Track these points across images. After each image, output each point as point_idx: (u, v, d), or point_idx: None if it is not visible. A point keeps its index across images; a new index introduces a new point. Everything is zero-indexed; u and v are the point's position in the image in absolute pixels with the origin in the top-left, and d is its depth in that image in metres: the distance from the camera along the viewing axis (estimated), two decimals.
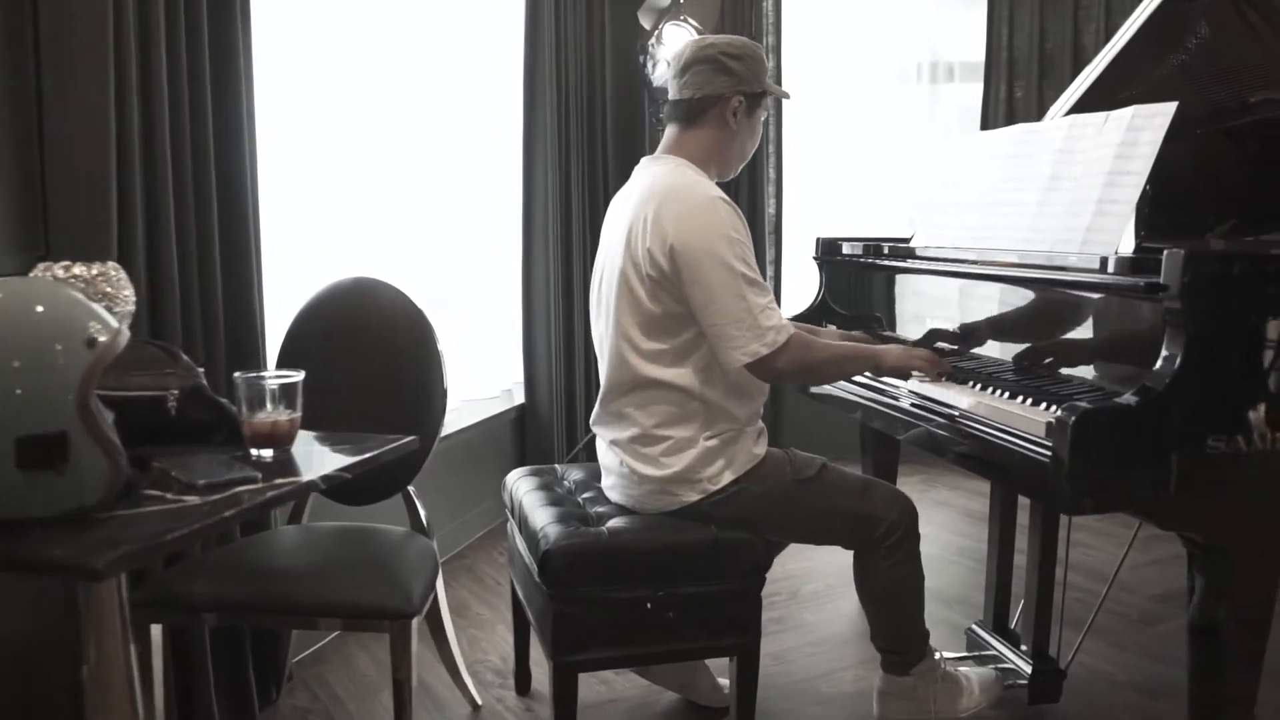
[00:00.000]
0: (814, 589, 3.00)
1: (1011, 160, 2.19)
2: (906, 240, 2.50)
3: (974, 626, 2.44)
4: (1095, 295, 1.71)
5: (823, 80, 4.57)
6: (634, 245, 1.87)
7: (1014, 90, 4.21)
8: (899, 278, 2.44)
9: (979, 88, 4.28)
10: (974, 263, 2.09)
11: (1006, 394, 1.76)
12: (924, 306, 2.31)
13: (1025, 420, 1.60)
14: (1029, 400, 1.68)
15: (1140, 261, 1.60)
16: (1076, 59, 4.14)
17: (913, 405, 1.96)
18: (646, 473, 1.91)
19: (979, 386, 1.85)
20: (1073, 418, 1.44)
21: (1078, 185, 1.94)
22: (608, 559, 1.82)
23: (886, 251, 2.50)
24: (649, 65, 3.63)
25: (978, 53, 4.27)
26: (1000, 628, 2.39)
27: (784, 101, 4.40)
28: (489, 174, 3.53)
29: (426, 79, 3.10)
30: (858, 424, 2.63)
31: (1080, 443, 1.44)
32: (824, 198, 4.68)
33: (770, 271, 4.53)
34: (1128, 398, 1.48)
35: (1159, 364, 1.49)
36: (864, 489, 1.98)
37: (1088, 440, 1.44)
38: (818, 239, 2.82)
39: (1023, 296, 1.93)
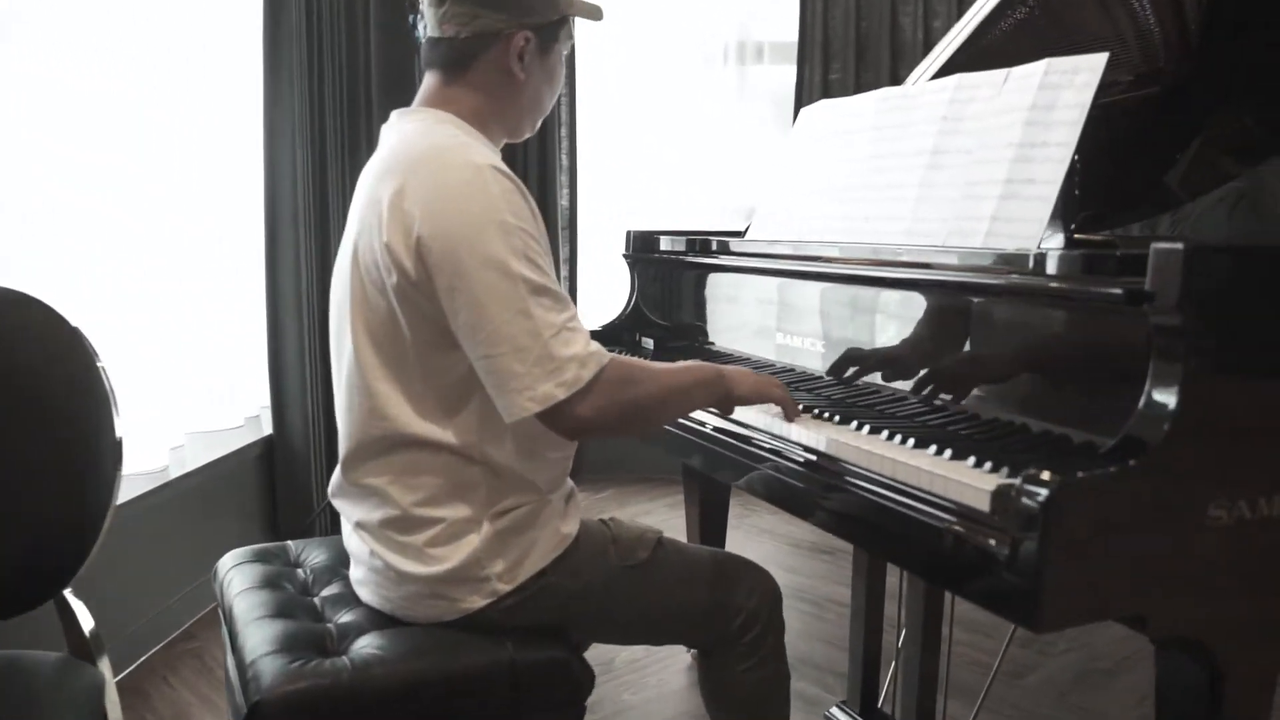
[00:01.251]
0: (632, 656, 2.48)
1: (878, 135, 1.74)
2: (742, 233, 2.02)
3: (836, 710, 1.99)
4: (1035, 305, 1.27)
5: (622, 60, 4.07)
6: (368, 241, 1.28)
7: (829, 73, 3.85)
8: (737, 281, 1.95)
9: (792, 70, 3.90)
10: (844, 261, 1.62)
11: (911, 440, 1.28)
12: (772, 318, 1.83)
13: (953, 483, 1.13)
14: (948, 452, 1.21)
15: (1100, 260, 1.16)
16: (895, 41, 3.83)
17: (771, 450, 1.45)
18: (408, 569, 1.31)
19: (867, 429, 1.37)
20: (1044, 492, 0.97)
21: (973, 162, 1.50)
22: (352, 709, 1.22)
23: (714, 248, 2.01)
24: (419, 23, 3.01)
25: (790, 33, 3.89)
26: (869, 709, 1.94)
27: (577, 84, 3.88)
28: (215, 150, 2.80)
29: (114, 40, 2.36)
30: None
31: (1060, 527, 0.97)
32: (624, 189, 4.18)
33: (564, 272, 4.00)
34: (1110, 461, 1.03)
35: (1144, 403, 1.05)
36: (714, 571, 1.46)
37: (1070, 524, 0.97)
38: (629, 233, 2.30)
39: (919, 307, 1.47)
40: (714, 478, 1.82)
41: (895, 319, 1.52)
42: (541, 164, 3.89)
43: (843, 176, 1.79)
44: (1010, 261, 1.29)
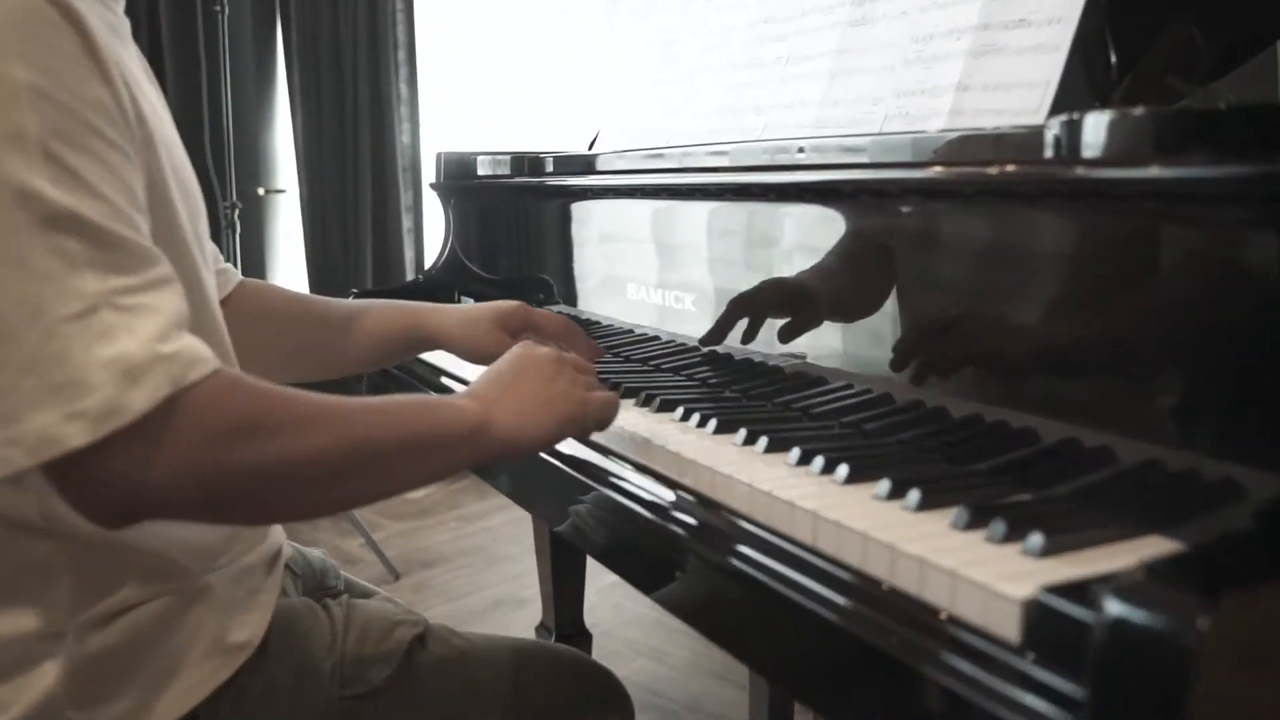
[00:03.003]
0: None
1: None
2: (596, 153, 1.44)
3: None
4: (1059, 219, 0.70)
5: None
6: None
7: None
8: (584, 213, 1.36)
9: None
10: (710, 170, 1.05)
11: (844, 469, 0.72)
12: (635, 265, 1.25)
13: (930, 571, 0.57)
14: (913, 495, 0.65)
15: (1193, 123, 0.61)
16: None
17: (593, 476, 0.87)
18: None
19: (764, 443, 0.80)
20: (1172, 629, 0.41)
21: (921, 7, 0.95)
22: None
23: (550, 169, 1.42)
24: None
25: None
26: None
27: None
28: None
29: None
30: None
31: (1208, 700, 0.42)
32: (481, 121, 3.53)
33: (408, 224, 3.36)
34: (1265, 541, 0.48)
35: None
36: (515, 679, 0.86)
37: (1220, 685, 0.42)
38: (439, 155, 1.69)
39: (841, 234, 0.91)
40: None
41: (802, 253, 0.96)
42: (375, 93, 3.24)
43: (717, 56, 1.22)
44: (1003, 145, 0.74)
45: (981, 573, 0.54)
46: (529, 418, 0.75)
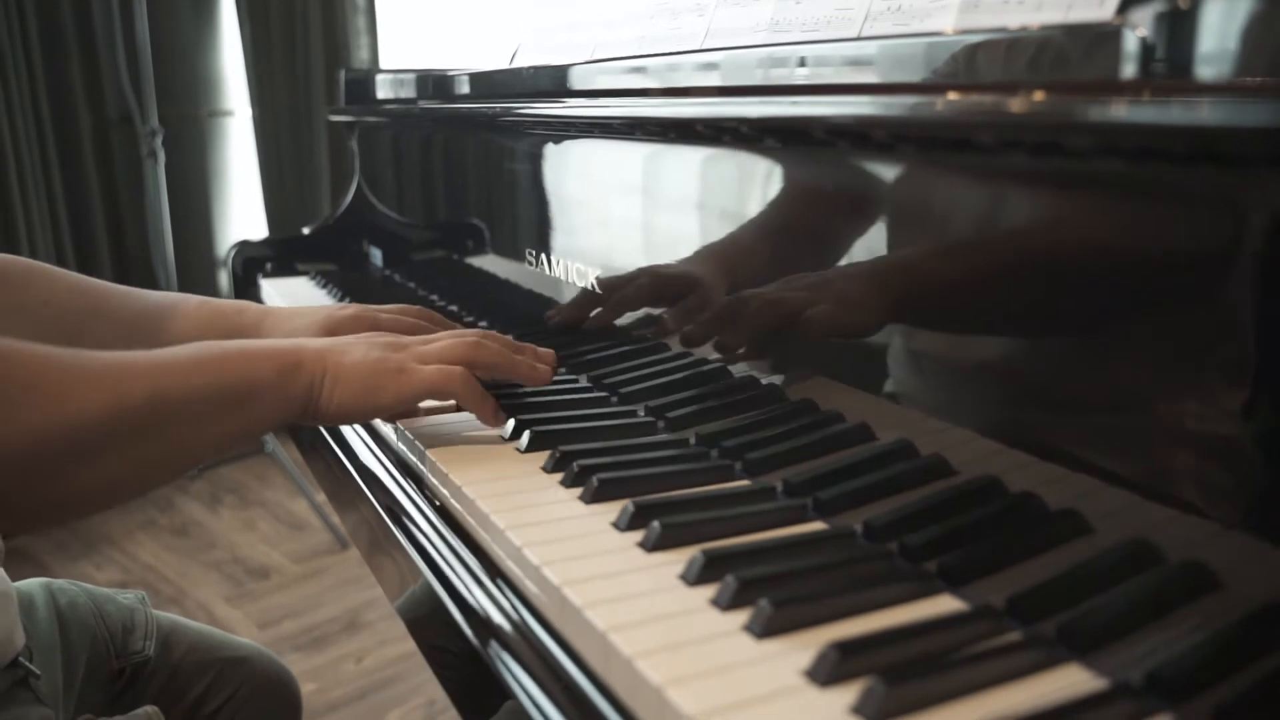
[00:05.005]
0: None
1: None
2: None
3: None
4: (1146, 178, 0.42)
5: None
6: None
7: None
8: (507, 142, 1.06)
9: None
10: (607, 95, 0.76)
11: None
12: (557, 208, 0.95)
13: None
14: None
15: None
16: None
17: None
18: None
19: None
20: None
21: None
22: None
23: (456, 91, 1.11)
24: None
25: None
26: None
27: None
28: None
29: None
30: None
31: None
32: (446, 35, 3.19)
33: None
34: None
35: None
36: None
37: None
38: (340, 75, 1.39)
39: (778, 181, 0.62)
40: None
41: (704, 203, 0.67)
42: (326, 10, 2.90)
43: None
44: (1040, 58, 0.44)
45: None
46: (348, 365, 0.64)
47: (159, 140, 2.34)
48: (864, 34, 0.62)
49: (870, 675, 0.38)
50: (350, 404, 0.63)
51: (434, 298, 1.16)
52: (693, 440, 0.66)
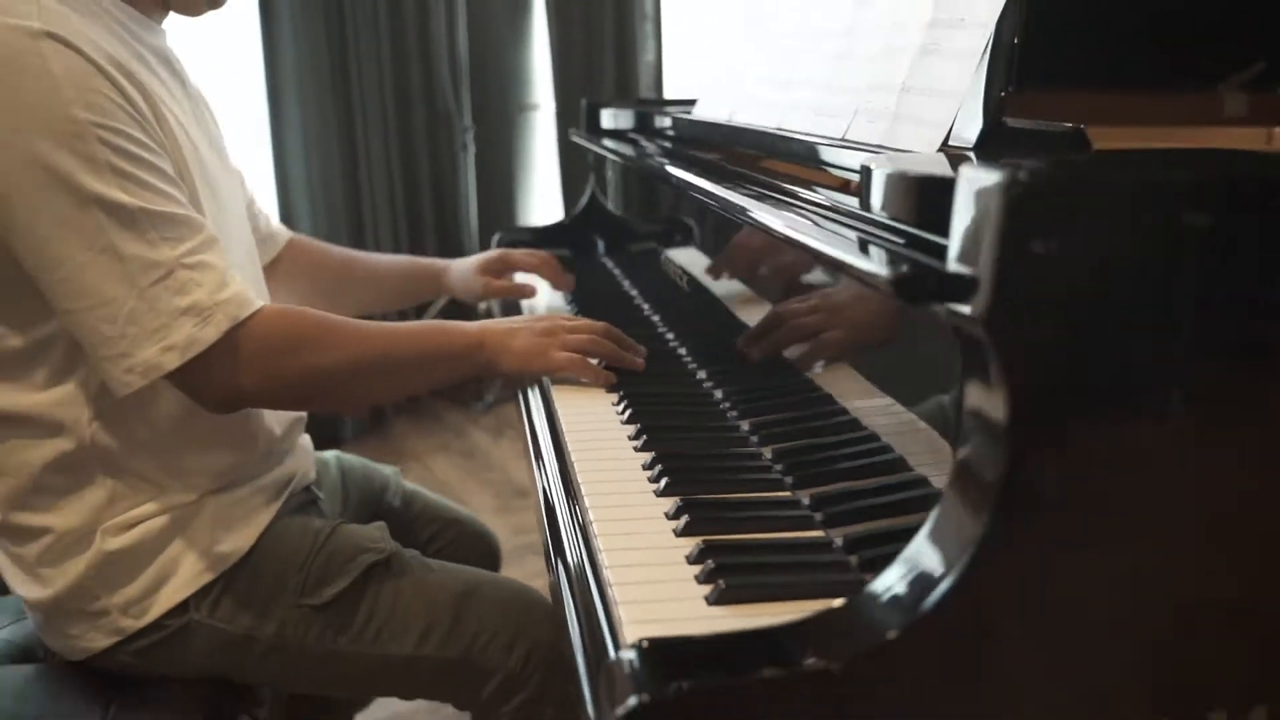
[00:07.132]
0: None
1: None
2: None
3: None
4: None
5: None
6: None
7: None
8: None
9: None
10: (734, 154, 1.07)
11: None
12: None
13: None
14: None
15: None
16: None
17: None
18: (23, 592, 0.96)
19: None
20: None
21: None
22: None
23: (668, 129, 1.44)
24: None
25: None
26: None
27: None
28: None
29: None
30: None
31: None
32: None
33: None
34: None
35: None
36: (455, 609, 0.98)
37: None
38: (584, 104, 1.77)
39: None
40: None
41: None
42: (618, 14, 3.33)
43: (779, 12, 1.21)
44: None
45: None
46: (511, 349, 1.00)
47: (470, 135, 2.87)
48: (849, 136, 0.91)
49: None
50: (512, 372, 1.01)
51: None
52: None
